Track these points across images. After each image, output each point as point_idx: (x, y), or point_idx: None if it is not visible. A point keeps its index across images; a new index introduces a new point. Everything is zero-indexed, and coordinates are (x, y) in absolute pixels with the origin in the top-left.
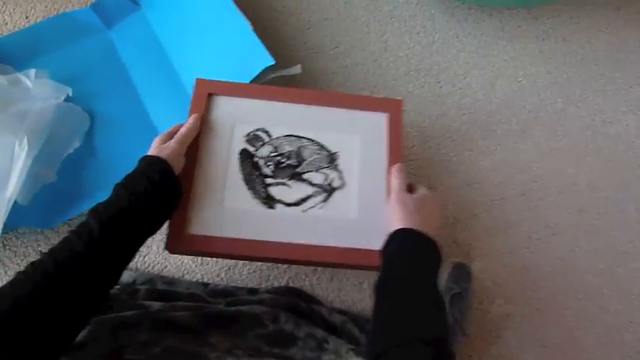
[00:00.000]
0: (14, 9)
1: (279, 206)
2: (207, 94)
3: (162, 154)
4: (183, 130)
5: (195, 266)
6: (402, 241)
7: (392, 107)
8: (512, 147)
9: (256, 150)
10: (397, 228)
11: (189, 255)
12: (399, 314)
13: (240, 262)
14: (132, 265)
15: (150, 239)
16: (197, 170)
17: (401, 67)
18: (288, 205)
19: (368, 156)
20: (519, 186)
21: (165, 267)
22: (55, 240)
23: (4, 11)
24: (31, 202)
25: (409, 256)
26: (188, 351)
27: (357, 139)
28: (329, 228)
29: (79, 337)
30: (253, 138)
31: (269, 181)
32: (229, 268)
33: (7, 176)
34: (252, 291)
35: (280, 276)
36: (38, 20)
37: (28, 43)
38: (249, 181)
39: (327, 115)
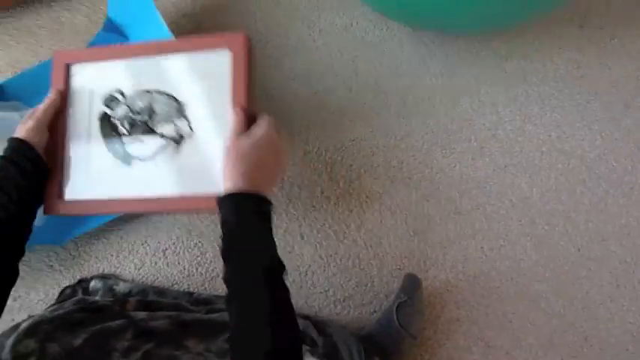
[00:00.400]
0: (26, 48)
1: (135, 162)
2: (64, 64)
3: (19, 134)
4: (40, 106)
5: (183, 277)
6: (232, 209)
7: (235, 43)
8: (470, 164)
9: (113, 111)
10: (226, 190)
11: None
12: (239, 286)
13: (222, 274)
14: (128, 276)
15: (143, 255)
16: (66, 139)
17: (369, 91)
18: (143, 160)
19: (214, 100)
20: (474, 200)
21: (157, 278)
22: (63, 254)
23: (17, 49)
24: (45, 223)
25: (240, 228)
26: (165, 355)
27: (202, 83)
28: (180, 177)
29: (76, 342)
30: (110, 100)
31: (126, 139)
32: (212, 279)
33: None
34: None
35: None
36: (47, 58)
37: (34, 81)
38: (109, 143)
39: (174, 64)
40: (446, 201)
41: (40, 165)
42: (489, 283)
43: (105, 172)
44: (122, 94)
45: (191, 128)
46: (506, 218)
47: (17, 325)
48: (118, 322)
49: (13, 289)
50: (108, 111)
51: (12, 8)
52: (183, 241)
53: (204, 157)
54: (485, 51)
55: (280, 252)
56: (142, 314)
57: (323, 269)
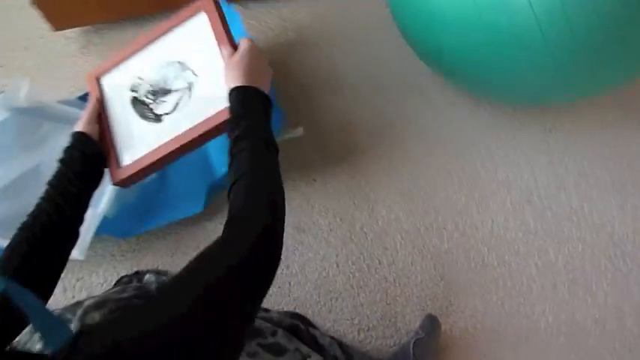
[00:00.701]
0: None
1: (165, 117)
2: (95, 79)
3: (77, 128)
4: (87, 107)
5: None
6: (237, 97)
7: (205, 6)
8: (502, 223)
9: (138, 92)
10: (230, 86)
11: (133, 182)
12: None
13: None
14: None
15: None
16: (111, 126)
17: (416, 140)
18: (169, 113)
19: (205, 49)
20: (502, 257)
21: None
22: (125, 246)
23: None
24: (115, 216)
25: (245, 110)
26: None
27: (193, 41)
28: (200, 109)
29: None
30: (134, 86)
31: (152, 106)
32: None
33: (100, 196)
34: (266, 310)
35: (290, 303)
36: None
37: None
38: (142, 115)
39: (170, 39)
40: (475, 254)
41: (96, 148)
42: (505, 337)
43: (144, 134)
44: (140, 78)
45: (195, 74)
46: (529, 279)
47: (79, 302)
48: None
49: (78, 270)
50: (135, 94)
51: (119, 20)
52: None
53: (212, 86)
54: (531, 120)
55: (315, 276)
56: None
57: (352, 298)
